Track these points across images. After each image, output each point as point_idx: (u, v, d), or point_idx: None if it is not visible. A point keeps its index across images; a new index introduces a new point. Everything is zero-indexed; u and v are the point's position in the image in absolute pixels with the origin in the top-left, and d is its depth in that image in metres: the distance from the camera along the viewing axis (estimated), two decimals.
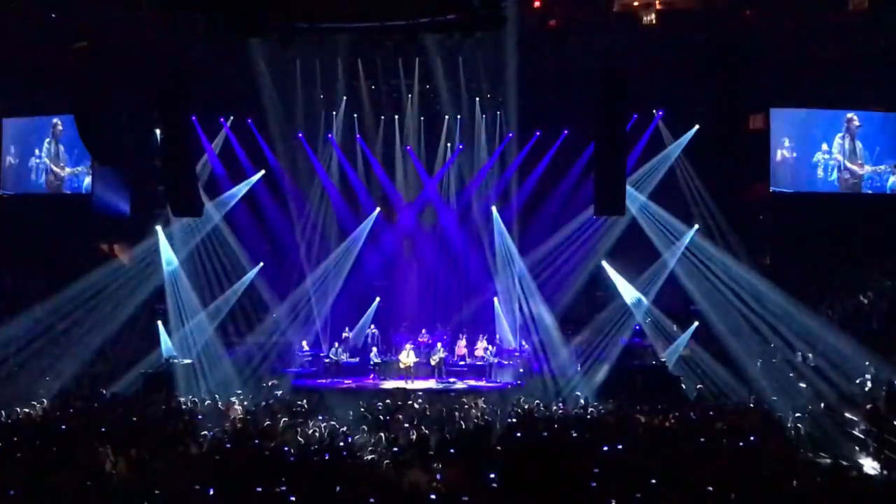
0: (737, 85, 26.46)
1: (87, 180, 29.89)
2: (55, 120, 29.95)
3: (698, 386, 23.91)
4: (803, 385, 22.27)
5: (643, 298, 27.03)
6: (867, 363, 22.08)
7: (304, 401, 21.37)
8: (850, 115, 28.07)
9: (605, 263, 28.03)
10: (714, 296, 25.76)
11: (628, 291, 27.41)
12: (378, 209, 29.86)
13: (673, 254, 27.16)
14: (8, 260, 29.07)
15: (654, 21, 25.11)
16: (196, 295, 27.15)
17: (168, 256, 27.38)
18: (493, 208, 29.27)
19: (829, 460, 15.20)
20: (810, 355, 23.64)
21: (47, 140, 30.13)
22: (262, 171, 29.11)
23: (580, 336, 27.27)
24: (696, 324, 26.05)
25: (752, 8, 25.16)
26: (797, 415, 19.03)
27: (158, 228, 27.35)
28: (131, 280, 27.16)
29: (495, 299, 28.73)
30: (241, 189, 28.94)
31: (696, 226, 27.12)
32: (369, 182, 29.82)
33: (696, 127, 27.58)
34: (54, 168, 30.09)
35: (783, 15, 24.86)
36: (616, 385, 23.80)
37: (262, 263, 28.48)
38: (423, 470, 12.55)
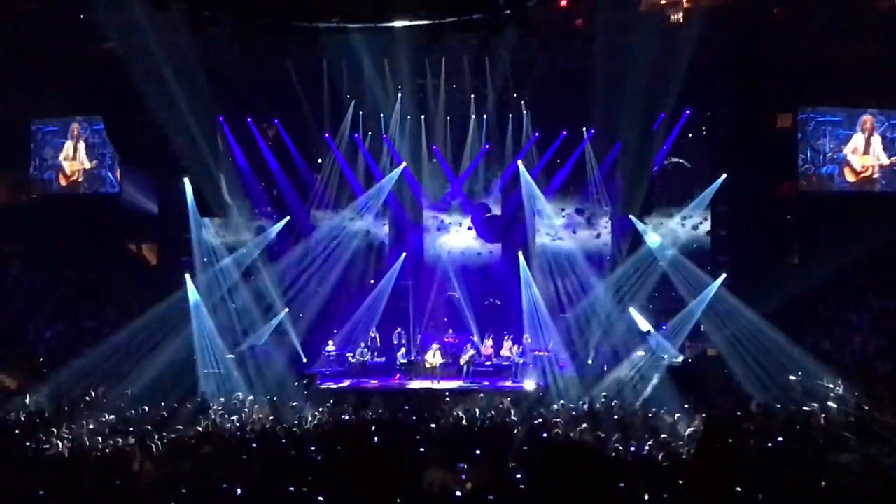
0: (765, 84, 26.34)
1: (110, 177, 30.00)
2: (74, 124, 30.08)
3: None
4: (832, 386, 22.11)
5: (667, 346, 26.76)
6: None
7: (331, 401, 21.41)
8: (864, 116, 27.89)
9: (631, 310, 27.73)
10: (735, 346, 25.45)
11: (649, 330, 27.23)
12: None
13: (699, 304, 26.80)
14: (38, 261, 29.26)
15: (681, 19, 25.04)
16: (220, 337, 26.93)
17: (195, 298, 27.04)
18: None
19: (857, 461, 15.07)
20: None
21: (68, 142, 30.25)
22: (287, 218, 29.27)
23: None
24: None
25: (781, 6, 25.04)
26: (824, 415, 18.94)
27: (187, 277, 27.16)
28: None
29: (522, 299, 28.66)
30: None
31: (724, 275, 26.70)
32: (395, 182, 29.76)
33: (724, 176, 27.51)
34: (73, 168, 30.21)
35: (811, 13, 24.73)
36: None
37: (287, 310, 28.25)
38: (447, 469, 12.53)
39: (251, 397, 22.41)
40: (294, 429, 17.59)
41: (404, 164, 29.07)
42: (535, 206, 29.06)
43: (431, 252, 30.24)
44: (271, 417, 19.36)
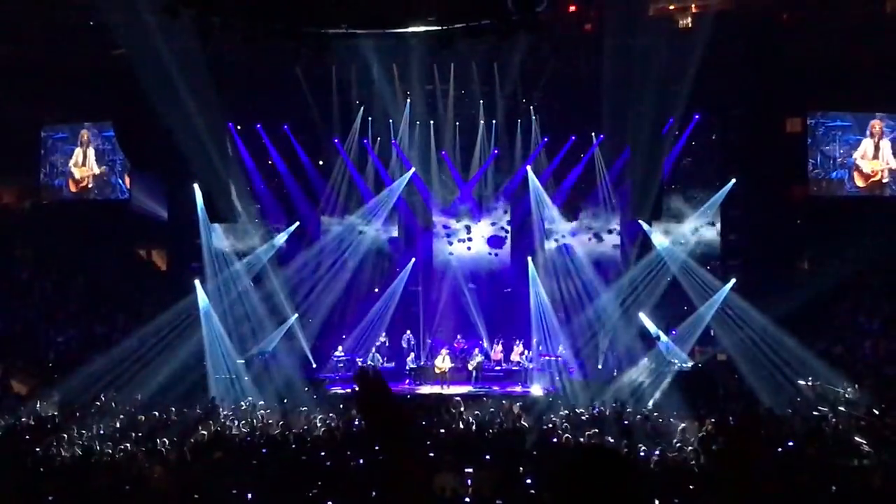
0: (774, 88, 26.32)
1: (120, 183, 30.08)
2: (83, 131, 30.17)
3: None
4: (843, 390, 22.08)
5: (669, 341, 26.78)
6: None
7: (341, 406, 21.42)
8: (873, 121, 27.88)
9: (641, 315, 27.75)
10: (748, 348, 25.43)
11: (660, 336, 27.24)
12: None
13: (709, 308, 26.80)
14: (48, 267, 29.32)
15: (690, 24, 25.05)
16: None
17: (205, 303, 27.12)
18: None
19: (869, 465, 15.05)
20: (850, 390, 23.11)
21: (78, 148, 30.32)
22: (297, 224, 29.35)
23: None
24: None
25: (789, 11, 25.04)
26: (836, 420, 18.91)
27: (197, 282, 27.26)
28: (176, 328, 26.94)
29: (531, 304, 28.67)
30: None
31: (733, 280, 26.74)
32: (405, 186, 29.77)
33: (734, 180, 27.52)
34: (83, 174, 30.28)
35: (820, 17, 24.71)
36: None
37: (296, 315, 28.34)
38: (455, 473, 12.53)
39: (261, 402, 22.43)
40: (304, 434, 17.61)
41: (413, 169, 29.07)
42: (543, 212, 29.07)
43: (441, 258, 30.23)
44: (281, 423, 19.37)
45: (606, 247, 29.23)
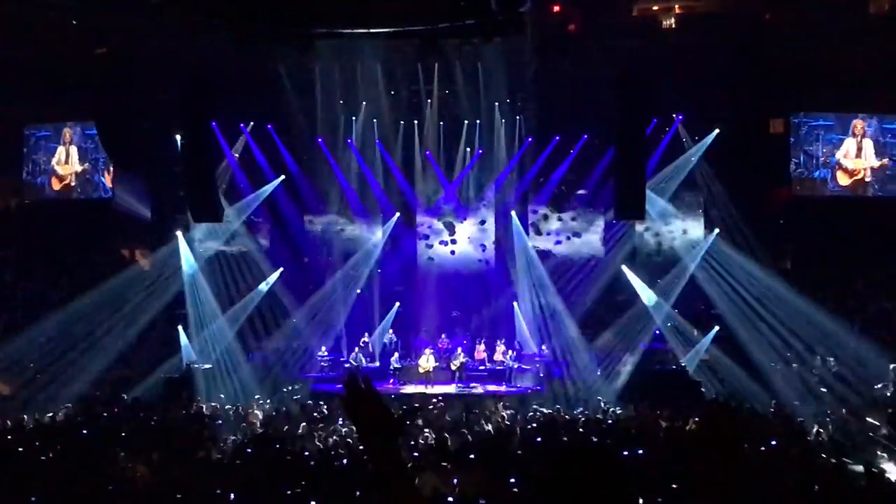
0: (757, 89, 26.41)
1: (103, 182, 30.00)
2: (66, 129, 30.08)
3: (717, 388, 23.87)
4: (824, 390, 22.18)
5: (662, 302, 27.06)
6: (891, 367, 21.96)
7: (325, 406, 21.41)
8: (855, 120, 28.00)
9: (624, 268, 28.10)
10: (734, 300, 25.72)
11: (647, 295, 27.46)
12: (398, 214, 29.88)
13: (693, 259, 27.19)
14: (30, 266, 29.21)
15: (673, 25, 25.10)
16: (216, 300, 27.24)
17: (188, 260, 27.52)
18: (513, 213, 29.38)
19: (851, 465, 15.11)
20: (831, 359, 23.52)
21: (61, 147, 30.22)
22: (283, 177, 29.18)
23: (602, 339, 27.25)
24: (717, 328, 26.00)
25: (773, 12, 25.10)
26: (819, 419, 18.97)
27: (179, 234, 27.50)
28: (151, 285, 27.29)
29: (515, 303, 28.74)
30: (262, 194, 29.07)
31: (717, 230, 27.14)
32: (388, 187, 29.80)
33: (717, 131, 27.59)
34: (66, 172, 30.18)
35: (804, 19, 24.77)
36: (637, 389, 23.78)
37: (282, 269, 28.72)
38: (438, 474, 12.53)
39: (245, 402, 22.41)
40: (288, 433, 17.60)
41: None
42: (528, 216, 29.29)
43: (424, 257, 30.28)
44: (266, 422, 19.34)
45: (590, 247, 29.37)
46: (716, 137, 27.85)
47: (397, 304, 29.50)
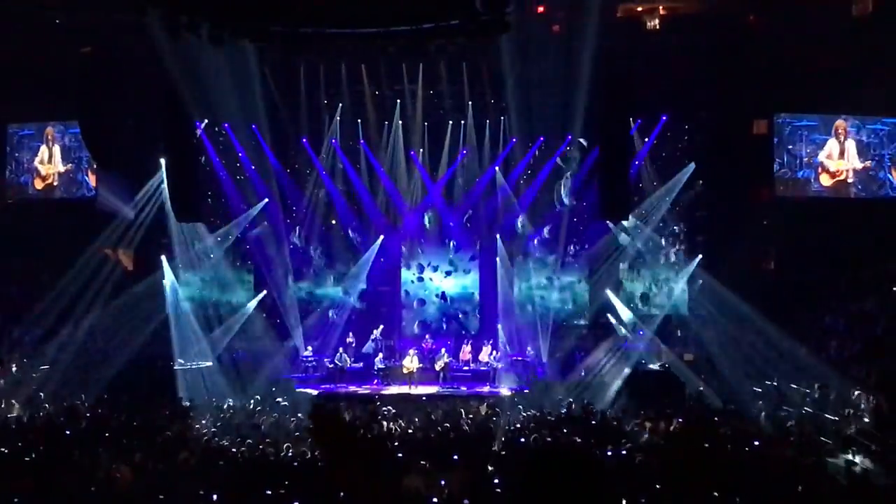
0: (741, 90, 26.49)
1: (86, 181, 29.89)
2: (48, 128, 29.96)
3: (700, 388, 23.90)
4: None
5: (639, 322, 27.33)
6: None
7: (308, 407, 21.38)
8: (838, 121, 28.11)
9: (609, 293, 28.24)
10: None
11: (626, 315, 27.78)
12: (382, 237, 29.91)
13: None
14: (13, 267, 29.09)
15: (657, 26, 25.16)
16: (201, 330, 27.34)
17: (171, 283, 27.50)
18: (500, 202, 29.43)
19: (834, 464, 15.18)
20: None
21: (43, 146, 30.11)
22: (266, 200, 29.18)
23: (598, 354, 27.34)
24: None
25: (756, 13, 25.18)
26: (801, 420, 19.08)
27: (163, 258, 27.47)
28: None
29: (499, 304, 28.77)
30: (243, 220, 29.19)
31: (700, 256, 27.33)
32: (373, 187, 29.77)
33: (693, 165, 27.77)
34: (48, 171, 30.06)
35: (787, 20, 24.86)
36: (621, 389, 23.87)
37: (264, 291, 29.03)
38: (422, 475, 12.53)
39: (229, 402, 22.37)
40: (271, 434, 17.59)
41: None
42: (510, 213, 29.31)
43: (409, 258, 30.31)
44: (249, 423, 19.31)
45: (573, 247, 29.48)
46: (700, 137, 28.00)
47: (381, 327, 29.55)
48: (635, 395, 22.87)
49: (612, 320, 27.77)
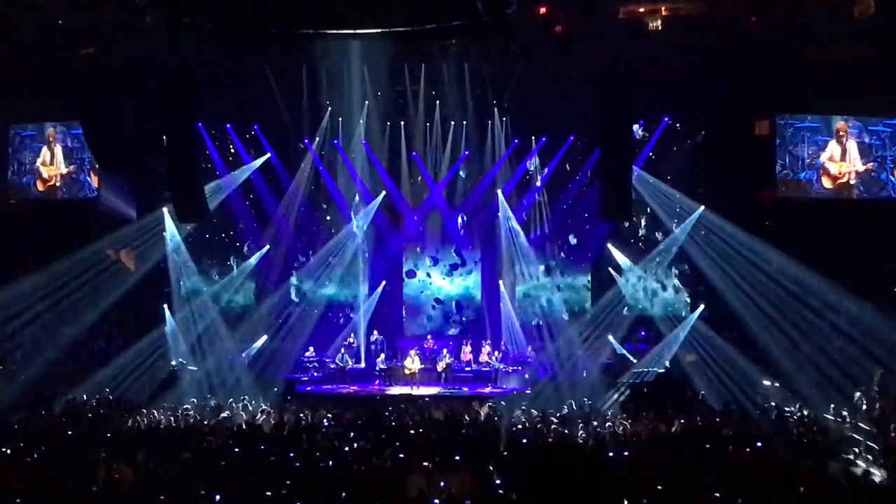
0: (742, 91, 26.47)
1: (88, 182, 29.89)
2: (50, 129, 29.95)
3: (701, 393, 23.90)
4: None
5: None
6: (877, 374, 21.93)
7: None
8: (839, 123, 28.06)
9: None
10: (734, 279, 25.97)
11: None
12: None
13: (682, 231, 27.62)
14: (15, 266, 29.08)
15: (659, 27, 25.11)
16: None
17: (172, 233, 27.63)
18: (499, 214, 29.41)
19: (835, 466, 15.17)
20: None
21: (45, 147, 30.09)
22: (267, 155, 29.18)
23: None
24: (703, 306, 26.63)
25: (758, 14, 25.15)
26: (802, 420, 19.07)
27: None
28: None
29: (501, 305, 28.78)
30: (240, 176, 29.17)
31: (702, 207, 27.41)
32: (374, 188, 29.75)
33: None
34: (50, 172, 30.06)
35: (789, 22, 24.83)
36: (623, 390, 23.90)
37: (267, 246, 29.22)
38: (426, 475, 12.53)
39: (230, 402, 22.36)
40: (273, 434, 17.58)
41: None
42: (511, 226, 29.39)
43: (410, 258, 30.34)
44: (251, 423, 19.30)
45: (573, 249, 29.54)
46: (702, 138, 28.03)
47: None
48: (636, 396, 22.89)
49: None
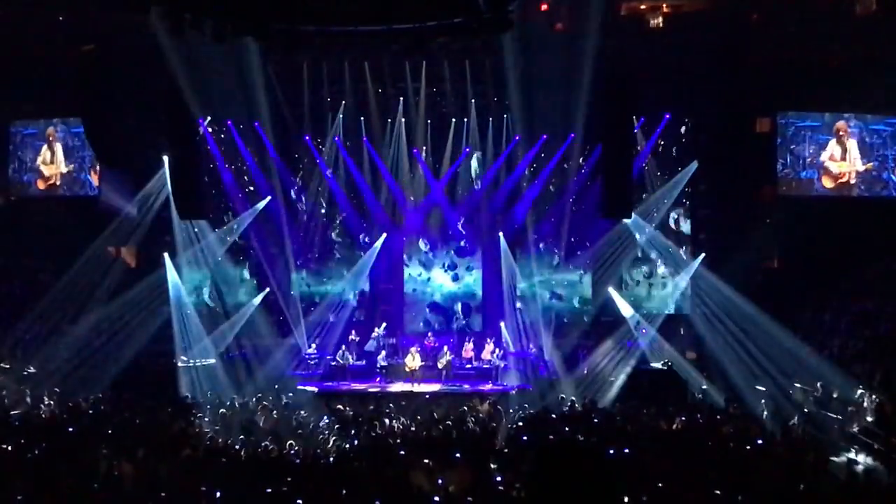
0: (744, 88, 26.45)
1: (89, 179, 29.89)
2: (50, 127, 29.96)
3: (703, 387, 23.91)
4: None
5: (641, 320, 27.35)
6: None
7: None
8: (840, 122, 28.03)
9: (611, 290, 28.26)
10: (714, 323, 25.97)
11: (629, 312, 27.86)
12: (384, 234, 29.87)
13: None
14: (16, 264, 29.11)
15: (661, 24, 25.15)
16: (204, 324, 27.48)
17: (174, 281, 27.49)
18: (500, 211, 29.48)
19: (836, 463, 15.18)
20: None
21: (45, 145, 30.10)
22: (269, 198, 29.21)
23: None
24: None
25: (760, 12, 25.15)
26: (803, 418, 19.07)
27: (165, 255, 27.46)
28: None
29: (503, 302, 28.78)
30: (244, 219, 29.16)
31: (703, 255, 27.30)
32: (376, 185, 29.75)
33: (695, 163, 27.77)
34: (51, 171, 30.07)
35: (790, 19, 24.84)
36: (624, 388, 23.91)
37: (267, 289, 29.18)
38: (426, 472, 12.54)
39: (232, 399, 22.35)
40: (274, 432, 17.59)
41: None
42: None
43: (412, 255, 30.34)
44: (251, 420, 19.31)
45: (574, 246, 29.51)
46: (703, 135, 28.00)
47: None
48: (637, 394, 22.89)
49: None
